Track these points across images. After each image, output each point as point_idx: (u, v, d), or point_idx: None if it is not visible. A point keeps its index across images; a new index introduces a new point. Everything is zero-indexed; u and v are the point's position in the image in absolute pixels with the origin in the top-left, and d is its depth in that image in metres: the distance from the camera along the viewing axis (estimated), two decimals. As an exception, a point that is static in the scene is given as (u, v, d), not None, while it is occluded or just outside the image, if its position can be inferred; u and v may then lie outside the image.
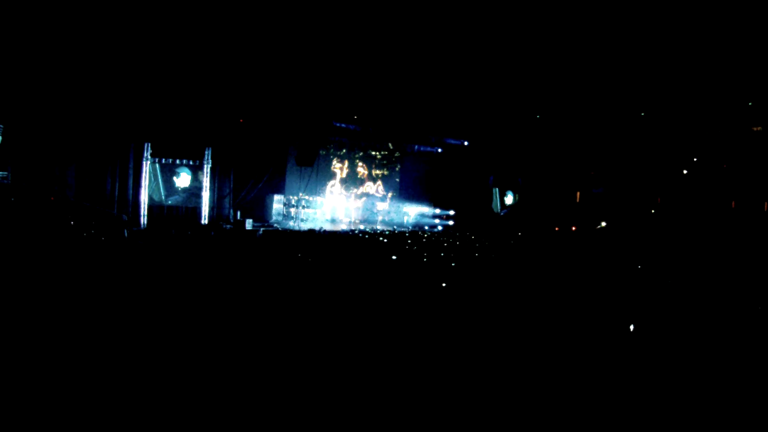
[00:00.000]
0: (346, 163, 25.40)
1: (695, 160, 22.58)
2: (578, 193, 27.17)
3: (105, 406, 3.95)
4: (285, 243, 14.91)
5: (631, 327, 6.44)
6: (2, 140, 15.36)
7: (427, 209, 26.21)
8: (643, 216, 24.20)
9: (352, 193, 25.48)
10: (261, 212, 22.29)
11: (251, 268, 10.10)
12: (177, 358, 5.04)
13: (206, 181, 19.80)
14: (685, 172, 22.89)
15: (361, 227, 22.81)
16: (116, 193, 18.57)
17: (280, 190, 22.88)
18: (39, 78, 16.25)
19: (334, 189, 25.02)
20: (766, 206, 20.95)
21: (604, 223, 24.24)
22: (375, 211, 25.30)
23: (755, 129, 20.63)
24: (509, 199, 27.95)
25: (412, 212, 25.90)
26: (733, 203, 21.96)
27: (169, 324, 6.00)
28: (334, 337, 5.86)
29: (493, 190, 27.56)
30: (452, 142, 26.92)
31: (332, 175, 25.00)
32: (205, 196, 19.83)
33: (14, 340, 5.23)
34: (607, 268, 12.83)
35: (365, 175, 25.96)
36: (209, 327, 5.92)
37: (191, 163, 19.74)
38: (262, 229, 18.74)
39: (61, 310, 6.30)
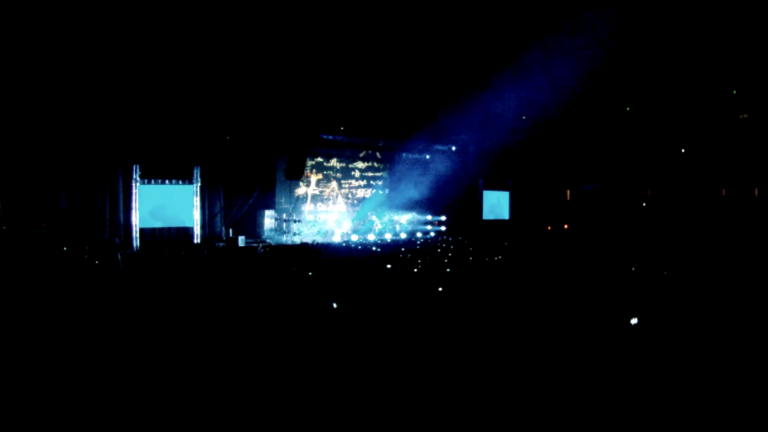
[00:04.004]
0: (335, 174, 25.43)
1: (683, 151, 22.73)
2: (568, 191, 27.35)
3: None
4: (279, 258, 14.90)
5: (630, 321, 6.49)
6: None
7: (418, 216, 26.26)
8: (636, 209, 24.38)
9: (342, 203, 25.50)
10: (253, 228, 22.27)
11: (251, 286, 10.09)
12: (179, 389, 5.05)
13: (196, 200, 19.74)
14: (674, 162, 23.04)
15: (354, 238, 22.82)
16: (107, 216, 18.48)
17: (270, 205, 22.89)
18: (24, 103, 16.22)
19: (324, 201, 25.04)
20: (756, 192, 21.13)
21: None
22: (367, 220, 25.32)
23: (742, 117, 20.79)
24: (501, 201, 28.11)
25: (404, 220, 25.94)
26: (723, 191, 22.13)
27: (176, 351, 6.00)
28: (338, 344, 5.89)
29: (483, 192, 27.64)
30: (440, 147, 27.04)
31: (321, 187, 25.02)
32: (196, 215, 19.76)
33: (9, 370, 5.22)
34: (602, 265, 12.92)
35: (355, 186, 25.99)
36: (216, 350, 5.93)
37: (181, 182, 19.67)
38: (261, 245, 18.71)
39: (61, 337, 6.29)
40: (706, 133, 21.81)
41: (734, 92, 20.31)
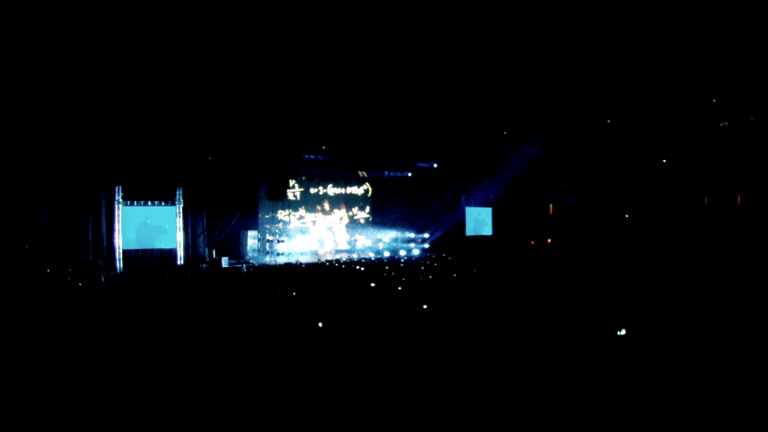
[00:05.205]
0: (318, 193, 25.50)
1: (664, 161, 22.95)
2: (551, 206, 27.61)
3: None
4: (263, 279, 14.91)
5: (618, 332, 6.59)
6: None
7: (401, 234, 26.35)
8: (619, 221, 24.63)
9: (325, 223, 25.55)
10: (236, 249, 22.24)
11: (235, 306, 10.10)
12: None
13: (179, 222, 19.71)
14: (655, 173, 23.26)
15: (338, 257, 22.85)
16: (90, 238, 18.38)
17: (253, 225, 22.90)
18: (4, 125, 16.16)
19: (306, 221, 25.07)
20: (738, 200, 21.40)
21: None
22: (350, 240, 25.38)
23: (722, 125, 20.97)
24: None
25: (387, 238, 26.01)
26: (705, 199, 22.39)
27: (161, 372, 6.01)
28: (325, 363, 5.94)
29: (466, 209, 27.82)
30: (422, 165, 27.20)
31: (304, 207, 25.06)
32: (179, 236, 19.73)
33: None
34: (586, 278, 13.07)
35: (338, 205, 26.07)
36: (202, 371, 5.96)
37: (163, 203, 19.64)
38: (245, 266, 18.68)
39: (45, 358, 6.28)
40: (687, 141, 21.99)
41: (714, 100, 20.40)
